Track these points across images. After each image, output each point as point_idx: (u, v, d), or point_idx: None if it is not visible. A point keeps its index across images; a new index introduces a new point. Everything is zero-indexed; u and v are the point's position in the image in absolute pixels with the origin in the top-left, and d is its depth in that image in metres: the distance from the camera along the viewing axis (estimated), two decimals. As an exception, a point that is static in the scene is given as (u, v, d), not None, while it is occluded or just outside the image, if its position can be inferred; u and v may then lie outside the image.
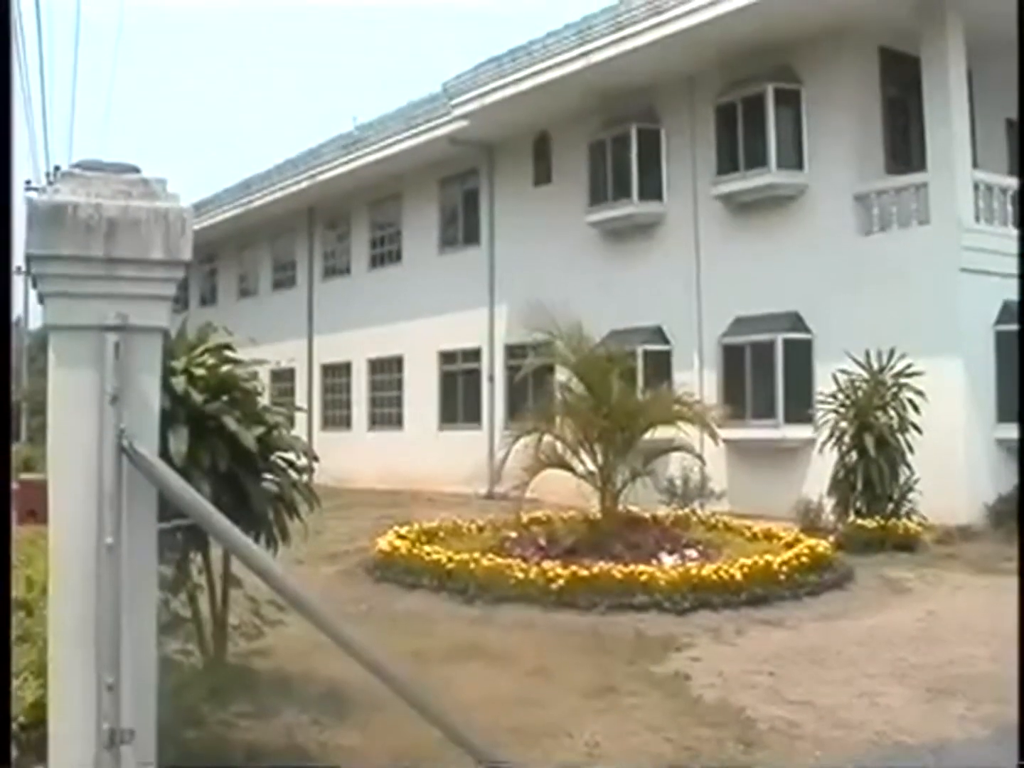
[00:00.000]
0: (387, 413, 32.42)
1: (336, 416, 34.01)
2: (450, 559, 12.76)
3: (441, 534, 15.40)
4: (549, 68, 23.61)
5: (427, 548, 13.60)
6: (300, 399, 33.20)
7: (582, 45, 22.70)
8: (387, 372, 32.49)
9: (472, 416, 28.72)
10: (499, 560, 12.63)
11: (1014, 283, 19.06)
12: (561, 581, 11.80)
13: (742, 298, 21.77)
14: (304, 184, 33.53)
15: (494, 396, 28.20)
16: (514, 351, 26.30)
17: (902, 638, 10.75)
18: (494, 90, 25.05)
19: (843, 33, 20.26)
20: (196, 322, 7.68)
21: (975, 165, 19.77)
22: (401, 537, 14.39)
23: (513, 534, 14.57)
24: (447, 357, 29.98)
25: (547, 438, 14.78)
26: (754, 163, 21.52)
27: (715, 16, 20.15)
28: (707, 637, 10.64)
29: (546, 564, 12.27)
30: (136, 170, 4.15)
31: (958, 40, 19.41)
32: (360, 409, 33.74)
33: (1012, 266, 19.03)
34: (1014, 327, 18.95)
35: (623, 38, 21.85)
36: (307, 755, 6.64)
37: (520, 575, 12.04)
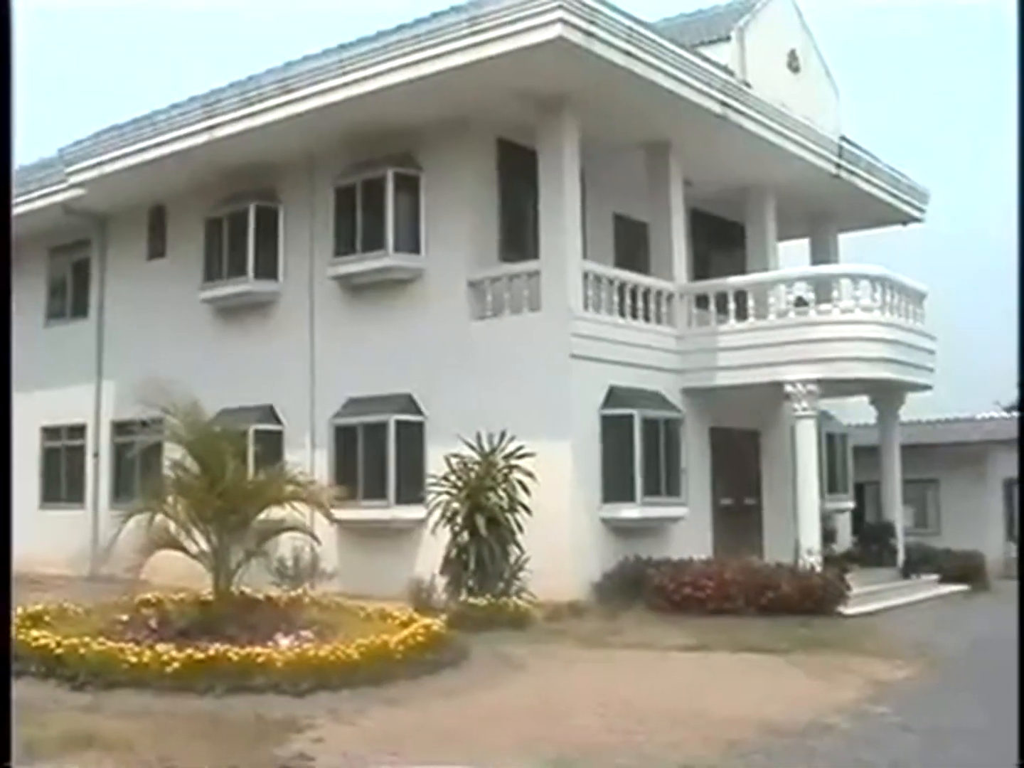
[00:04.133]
0: (-18, 491, 30.63)
1: (-75, 495, 31.82)
2: (59, 644, 12.06)
3: (47, 618, 14.54)
4: (172, 140, 23.10)
5: (33, 633, 12.81)
6: None
7: (208, 119, 22.37)
8: (-17, 448, 30.70)
9: (76, 495, 27.52)
10: (110, 644, 12.07)
11: (619, 369, 20.15)
12: (176, 664, 11.41)
13: (357, 379, 21.81)
14: (-103, 254, 31.51)
15: (99, 474, 27.16)
16: (122, 428, 25.43)
17: (520, 712, 10.96)
18: (114, 159, 24.26)
19: (463, 123, 20.81)
20: None
21: (585, 256, 20.53)
22: (3, 622, 13.54)
23: (124, 617, 13.99)
24: (50, 433, 28.69)
25: (159, 517, 14.33)
26: (371, 245, 21.63)
27: (341, 99, 20.27)
28: (328, 718, 10.48)
29: (160, 647, 11.82)
30: None
31: (573, 138, 20.26)
32: (-48, 487, 31.74)
33: (617, 353, 20.10)
34: (619, 411, 19.88)
35: (249, 114, 21.67)
36: None
37: (133, 659, 11.54)
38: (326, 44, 20.61)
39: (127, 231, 27.35)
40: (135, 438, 21.04)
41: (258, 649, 11.96)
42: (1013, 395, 55.14)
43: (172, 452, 16.13)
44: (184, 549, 14.29)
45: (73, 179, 25.43)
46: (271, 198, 23.88)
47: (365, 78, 19.88)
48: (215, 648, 11.77)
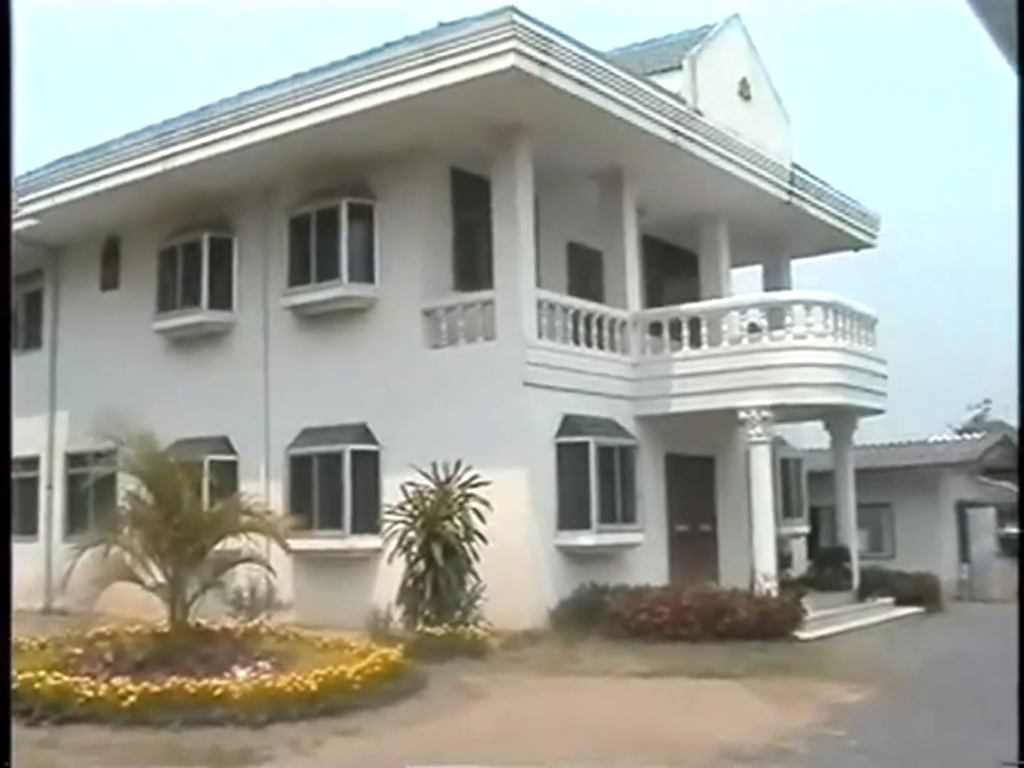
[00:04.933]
0: (-67, 526, 30.26)
1: None
2: (13, 679, 11.97)
3: (0, 652, 14.41)
4: (125, 171, 23.02)
5: (-14, 667, 12.70)
6: None
7: (161, 149, 22.31)
8: (-67, 482, 30.33)
9: (29, 527, 27.10)
10: (66, 678, 11.98)
11: (574, 397, 20.18)
12: (133, 698, 11.37)
13: (311, 409, 21.75)
14: None
15: (53, 506, 26.93)
16: (76, 459, 25.27)
17: (480, 740, 10.96)
18: (67, 190, 24.14)
19: (417, 153, 20.85)
20: None
21: (539, 284, 20.60)
22: (-46, 657, 13.37)
23: (79, 650, 13.87)
24: (1, 465, 28.42)
25: (114, 549, 14.27)
26: (326, 275, 21.61)
27: (295, 129, 20.29)
28: (286, 749, 10.47)
29: (116, 681, 11.78)
30: None
31: (526, 167, 20.36)
32: (-100, 521, 31.34)
33: (572, 381, 20.14)
34: (574, 439, 19.90)
35: (203, 145, 21.63)
36: None
37: (89, 693, 11.49)
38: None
39: (80, 262, 27.20)
40: (89, 469, 20.91)
41: (215, 681, 11.93)
42: (964, 417, 55.93)
43: (127, 483, 16.06)
44: (140, 581, 14.24)
45: (25, 209, 25.21)
46: (225, 228, 23.84)
47: (319, 108, 19.90)
48: (172, 681, 11.75)
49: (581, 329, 21.12)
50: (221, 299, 23.70)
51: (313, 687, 12.05)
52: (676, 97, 21.87)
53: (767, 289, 28.23)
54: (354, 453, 21.09)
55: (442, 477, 18.10)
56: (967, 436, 37.38)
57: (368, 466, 21.06)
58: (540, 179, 20.66)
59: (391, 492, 19.15)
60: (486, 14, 18.19)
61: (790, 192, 25.88)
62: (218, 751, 10.27)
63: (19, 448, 26.59)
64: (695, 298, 24.41)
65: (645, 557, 20.91)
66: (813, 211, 27.06)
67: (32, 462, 27.55)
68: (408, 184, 21.32)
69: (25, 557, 25.47)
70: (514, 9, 17.89)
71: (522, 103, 19.13)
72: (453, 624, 17.01)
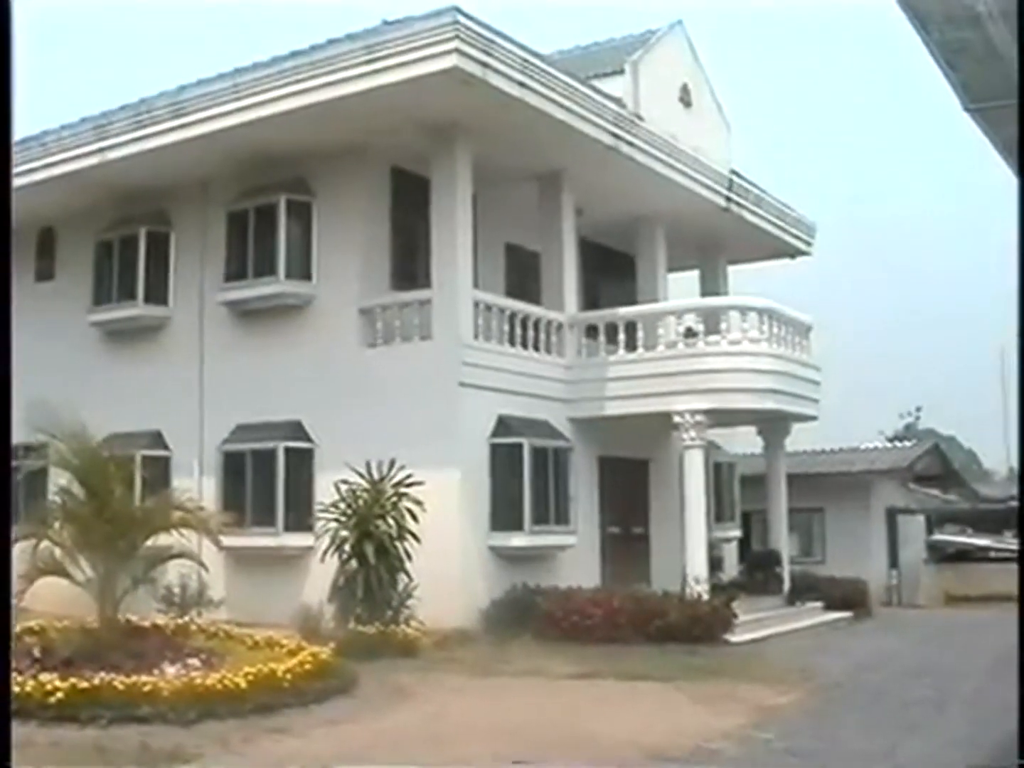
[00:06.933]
0: None
1: None
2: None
3: (-78, 648, 14.22)
4: (62, 161, 22.76)
5: (-93, 663, 12.54)
6: None
7: (99, 141, 22.06)
8: None
9: (-45, 521, 26.87)
10: (-9, 673, 11.84)
11: (509, 398, 20.23)
12: (60, 694, 11.26)
13: (246, 405, 21.63)
14: None
15: (-20, 500, 26.57)
16: (6, 452, 24.97)
17: (407, 740, 10.98)
18: (1, 179, 23.75)
19: (357, 151, 20.79)
20: None
21: (476, 285, 20.65)
22: None
23: (5, 645, 13.71)
24: (-72, 458, 28.04)
25: (44, 544, 14.13)
26: (263, 271, 21.52)
27: (234, 124, 20.16)
28: (215, 747, 10.42)
29: (43, 676, 11.62)
30: None
31: (466, 167, 20.37)
32: None
33: (507, 382, 20.17)
34: (508, 440, 19.95)
35: (141, 137, 21.41)
36: None
37: (15, 689, 11.28)
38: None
39: (14, 252, 26.77)
40: (20, 463, 20.66)
41: (144, 678, 11.87)
42: (896, 425, 56.72)
43: (58, 478, 15.92)
44: (69, 576, 14.10)
45: (-46, 199, 24.78)
46: (163, 222, 23.66)
47: (259, 104, 19.77)
48: (100, 677, 11.65)
49: (517, 330, 21.18)
50: (157, 293, 23.51)
51: (243, 685, 12.03)
52: (617, 101, 21.95)
53: (704, 294, 28.36)
54: (288, 450, 21.00)
55: (376, 476, 18.07)
56: (898, 444, 37.80)
57: (302, 463, 20.99)
58: (479, 180, 20.68)
59: (325, 490, 19.07)
60: (429, 13, 18.17)
61: (728, 198, 26.04)
62: (147, 749, 10.19)
63: (-53, 440, 26.47)
64: (631, 301, 24.53)
65: (578, 559, 20.99)
66: (751, 218, 27.22)
67: (-41, 455, 27.15)
68: (347, 182, 21.26)
69: (-49, 550, 25.20)
70: (457, 9, 17.90)
71: (463, 104, 19.14)
72: (385, 623, 16.99)
